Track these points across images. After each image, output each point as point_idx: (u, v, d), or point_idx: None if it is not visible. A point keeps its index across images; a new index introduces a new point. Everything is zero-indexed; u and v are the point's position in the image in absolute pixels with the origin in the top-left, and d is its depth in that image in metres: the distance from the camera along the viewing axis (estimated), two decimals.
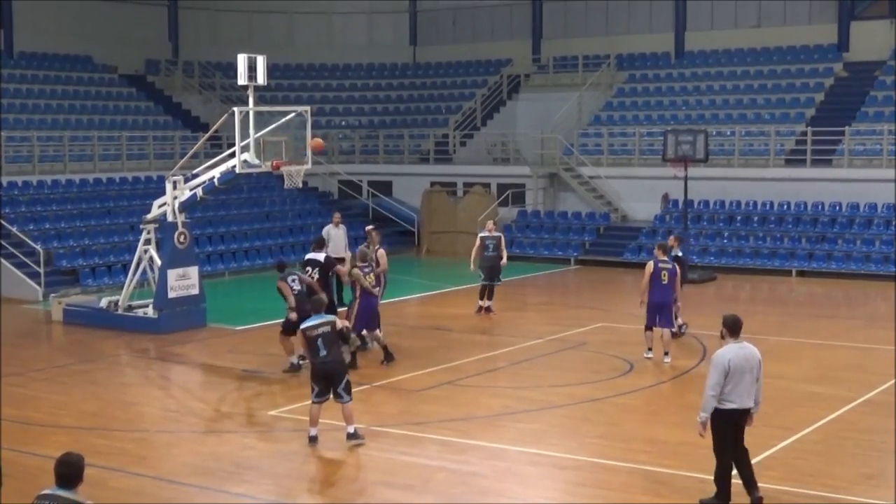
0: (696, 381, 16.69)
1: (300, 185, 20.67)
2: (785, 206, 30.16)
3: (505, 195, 33.41)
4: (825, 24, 35.58)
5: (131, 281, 21.45)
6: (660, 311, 17.75)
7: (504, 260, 22.18)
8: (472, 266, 22.31)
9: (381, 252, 18.92)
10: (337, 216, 22.85)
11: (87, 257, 26.74)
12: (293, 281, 17.17)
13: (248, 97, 19.69)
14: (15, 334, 20.96)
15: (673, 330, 18.37)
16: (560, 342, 19.60)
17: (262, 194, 33.52)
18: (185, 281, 21.01)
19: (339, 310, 18.44)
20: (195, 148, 23.33)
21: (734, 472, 10.68)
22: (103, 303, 21.65)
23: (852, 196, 29.38)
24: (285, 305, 17.06)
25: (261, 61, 19.28)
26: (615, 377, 16.75)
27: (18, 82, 33.54)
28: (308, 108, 20.24)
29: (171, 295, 20.78)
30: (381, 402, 15.23)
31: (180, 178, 20.89)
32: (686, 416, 14.56)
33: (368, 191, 35.96)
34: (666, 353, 17.62)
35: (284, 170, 19.50)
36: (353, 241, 25.36)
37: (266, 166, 19.35)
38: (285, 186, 21.06)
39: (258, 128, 19.25)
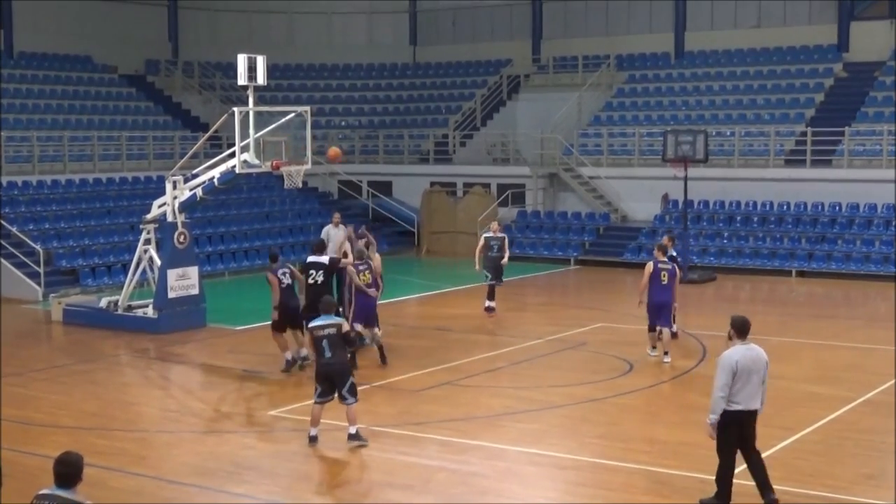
0: (695, 381, 16.71)
1: (300, 185, 20.67)
2: (785, 207, 30.15)
3: (505, 195, 33.42)
4: (825, 25, 35.58)
5: (131, 281, 21.45)
6: (660, 311, 17.77)
7: (505, 259, 22.17)
8: (477, 266, 22.30)
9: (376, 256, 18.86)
10: (337, 216, 22.85)
11: (87, 257, 26.74)
12: (283, 274, 17.15)
13: (248, 97, 19.69)
14: (15, 334, 20.97)
15: (673, 330, 18.41)
16: (560, 342, 19.60)
17: (262, 194, 33.52)
18: (184, 281, 21.01)
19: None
20: (195, 148, 23.33)
21: (735, 473, 10.67)
22: (103, 303, 21.66)
23: (852, 196, 29.38)
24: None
25: (261, 61, 19.28)
26: (615, 377, 16.75)
27: (18, 82, 33.54)
28: (308, 108, 20.25)
29: (171, 295, 20.78)
30: (380, 403, 15.22)
31: (180, 178, 20.89)
32: (686, 416, 14.58)
33: (368, 191, 35.97)
34: (665, 353, 17.64)
35: (284, 170, 19.50)
36: None
37: (266, 166, 19.35)
38: (285, 186, 21.05)
39: (258, 128, 19.25)
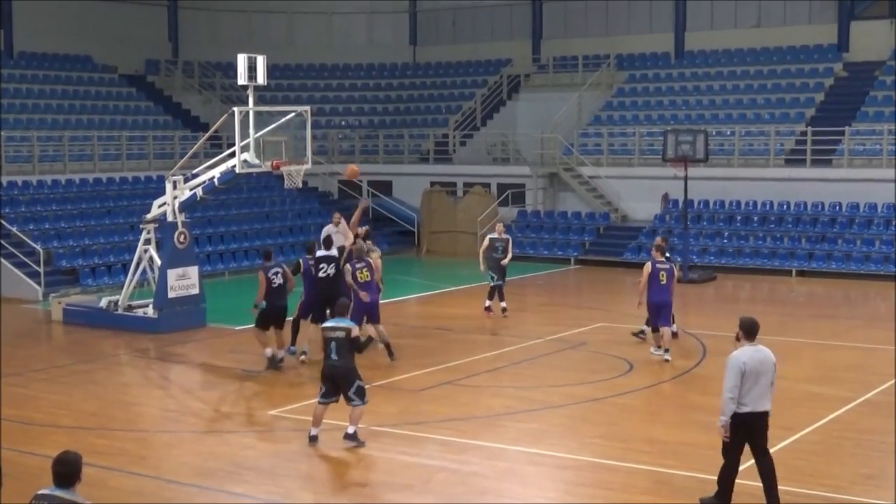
0: (695, 381, 16.73)
1: (300, 185, 20.67)
2: (785, 206, 30.15)
3: (505, 195, 33.42)
4: (825, 24, 35.57)
5: (131, 281, 21.45)
6: (659, 311, 17.79)
7: (505, 261, 22.11)
8: (481, 267, 22.30)
9: (378, 263, 18.83)
10: (337, 216, 22.85)
11: (87, 257, 26.74)
12: (276, 274, 17.15)
13: (248, 97, 19.69)
14: (15, 334, 20.96)
15: (674, 330, 18.42)
16: (560, 342, 19.60)
17: (262, 194, 33.53)
18: (184, 281, 21.01)
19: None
20: (195, 148, 23.32)
21: (738, 473, 10.66)
22: (103, 303, 21.65)
23: (852, 196, 29.38)
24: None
25: (261, 61, 19.28)
26: (615, 377, 16.74)
27: (18, 82, 33.54)
28: (308, 108, 20.24)
29: (171, 295, 20.78)
30: (381, 402, 15.20)
31: (180, 177, 20.88)
32: (686, 416, 14.59)
33: (368, 191, 35.96)
34: (666, 351, 17.65)
35: (284, 170, 19.50)
36: None
37: (266, 166, 19.35)
38: (285, 186, 21.05)
39: (258, 128, 19.25)
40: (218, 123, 21.41)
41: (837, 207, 29.53)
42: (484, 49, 41.17)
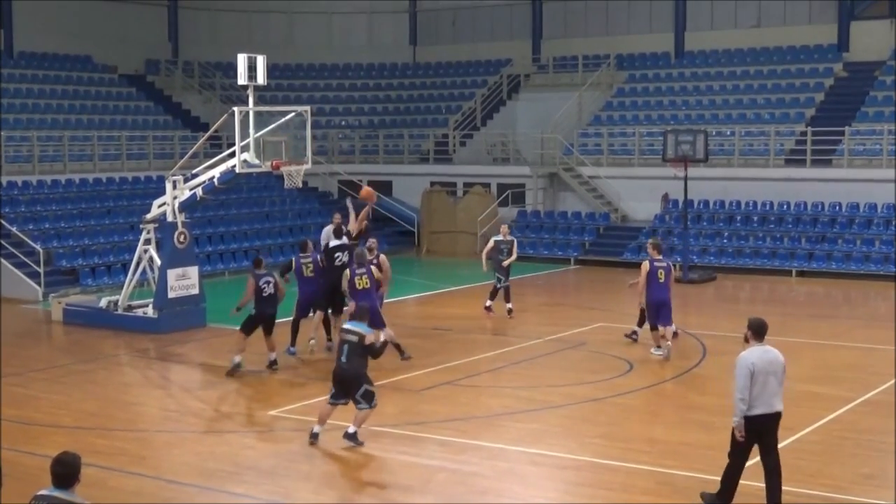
0: (695, 381, 16.73)
1: (300, 185, 20.66)
2: (785, 206, 30.15)
3: (505, 195, 33.42)
4: (825, 24, 35.58)
5: (131, 281, 21.45)
6: (660, 309, 17.79)
7: (507, 262, 22.06)
8: (484, 268, 22.30)
9: (383, 258, 18.83)
10: (337, 216, 22.86)
11: (87, 257, 26.74)
12: (266, 283, 17.02)
13: (248, 97, 19.68)
14: (15, 334, 20.95)
15: (674, 329, 18.41)
16: (560, 342, 19.60)
17: (262, 194, 33.52)
18: (184, 281, 21.01)
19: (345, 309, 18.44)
20: (195, 148, 23.32)
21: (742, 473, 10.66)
22: (103, 303, 21.65)
23: (852, 196, 29.38)
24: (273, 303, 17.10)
25: (261, 61, 19.28)
26: (615, 377, 16.74)
27: (18, 82, 33.54)
28: (308, 108, 20.24)
29: (171, 295, 20.78)
30: (381, 402, 15.12)
31: (180, 177, 20.88)
32: (686, 416, 14.60)
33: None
34: (667, 348, 17.68)
35: (284, 170, 19.49)
36: None
37: (266, 166, 19.35)
38: (285, 186, 21.04)
39: (258, 128, 19.25)
40: (218, 123, 21.41)
41: (837, 207, 29.52)
42: (484, 49, 41.17)
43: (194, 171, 20.97)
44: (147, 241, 21.27)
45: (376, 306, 17.46)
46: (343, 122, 39.97)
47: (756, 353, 10.37)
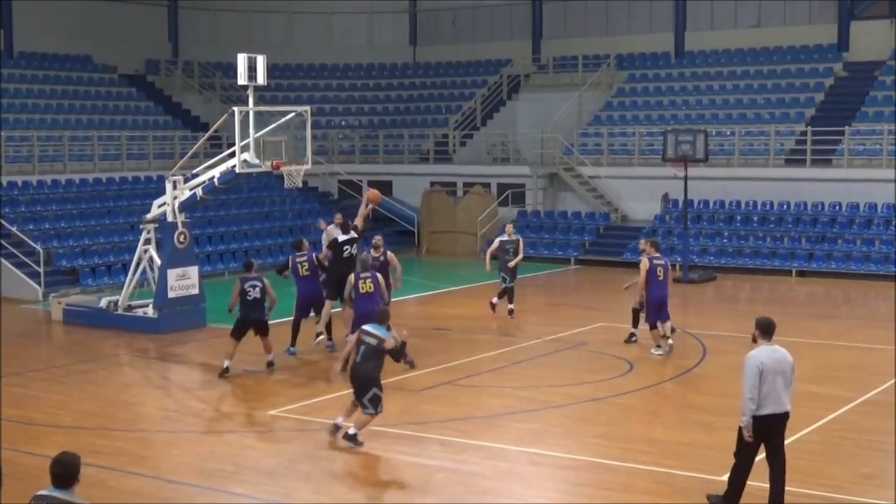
0: (695, 381, 16.73)
1: (300, 185, 20.67)
2: (785, 206, 30.15)
3: (505, 195, 33.42)
4: (825, 24, 35.58)
5: (131, 281, 21.45)
6: (660, 307, 17.82)
7: (514, 262, 22.05)
8: (487, 268, 22.30)
9: (391, 255, 18.82)
10: (338, 216, 22.88)
11: (87, 257, 26.74)
12: (252, 287, 16.87)
13: (248, 97, 19.68)
14: (15, 334, 20.95)
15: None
16: (560, 342, 19.60)
17: (262, 194, 33.52)
18: (184, 281, 21.01)
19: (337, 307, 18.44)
20: (195, 148, 23.32)
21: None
22: (103, 303, 21.65)
23: (852, 196, 29.38)
24: (267, 306, 17.05)
25: (261, 61, 19.28)
26: (615, 377, 16.74)
27: (18, 82, 33.54)
28: (308, 108, 20.24)
29: (171, 295, 20.78)
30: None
31: (180, 177, 20.88)
32: (686, 416, 14.59)
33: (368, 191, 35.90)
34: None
35: (284, 170, 19.50)
36: None
37: (266, 166, 19.35)
38: (285, 186, 21.05)
39: (258, 128, 19.24)
40: (218, 123, 21.41)
41: (837, 207, 29.53)
42: (484, 49, 41.17)
43: (194, 171, 20.97)
44: (147, 241, 21.26)
45: (372, 310, 17.41)
46: (343, 122, 39.97)
47: (765, 353, 10.34)
